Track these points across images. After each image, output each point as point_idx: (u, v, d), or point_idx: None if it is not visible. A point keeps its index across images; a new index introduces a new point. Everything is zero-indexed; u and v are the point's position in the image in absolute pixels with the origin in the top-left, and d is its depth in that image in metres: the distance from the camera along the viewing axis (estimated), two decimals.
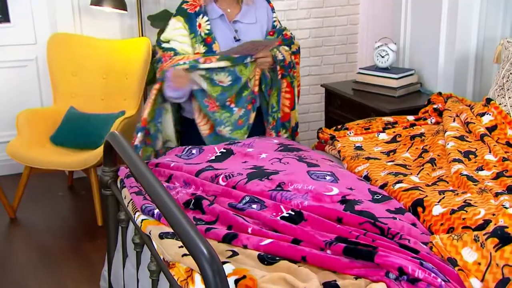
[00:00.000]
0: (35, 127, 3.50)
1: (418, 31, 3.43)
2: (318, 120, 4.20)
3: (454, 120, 2.55)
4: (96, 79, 3.69)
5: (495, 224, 1.68)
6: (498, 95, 2.61)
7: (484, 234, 1.61)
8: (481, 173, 2.18)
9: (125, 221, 2.06)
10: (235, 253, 1.62)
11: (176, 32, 2.59)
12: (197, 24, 2.56)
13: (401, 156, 2.42)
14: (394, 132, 2.66)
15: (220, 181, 2.01)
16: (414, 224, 1.82)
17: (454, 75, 3.24)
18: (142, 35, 3.76)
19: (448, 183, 2.11)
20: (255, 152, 2.25)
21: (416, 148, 2.48)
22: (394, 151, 2.50)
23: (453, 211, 1.83)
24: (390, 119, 2.79)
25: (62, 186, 3.90)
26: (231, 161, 2.21)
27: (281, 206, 1.82)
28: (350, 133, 2.69)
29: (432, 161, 2.29)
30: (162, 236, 1.68)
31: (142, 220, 1.82)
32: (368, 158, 2.39)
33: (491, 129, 2.45)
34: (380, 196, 1.96)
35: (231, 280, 1.42)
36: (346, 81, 3.78)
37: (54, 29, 3.80)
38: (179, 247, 1.59)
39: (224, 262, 1.51)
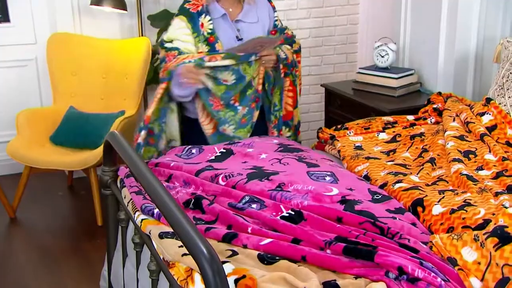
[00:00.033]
0: (35, 127, 3.50)
1: (418, 31, 3.43)
2: (318, 120, 4.20)
3: (454, 120, 2.55)
4: (96, 79, 3.69)
5: (495, 224, 1.68)
6: (498, 95, 2.61)
7: (484, 234, 1.61)
8: (481, 172, 2.18)
9: (125, 221, 2.06)
10: (235, 253, 1.62)
11: (180, 32, 2.59)
12: (200, 23, 2.57)
13: (401, 156, 2.42)
14: (394, 131, 2.66)
15: (220, 181, 2.01)
16: (414, 224, 1.82)
17: (454, 74, 3.24)
18: (142, 35, 3.76)
19: (448, 182, 2.11)
20: (255, 152, 2.25)
21: (416, 147, 2.48)
22: (394, 150, 2.50)
23: (453, 211, 1.83)
24: (390, 118, 2.79)
25: (62, 186, 3.90)
26: (231, 161, 2.21)
27: (281, 206, 1.82)
28: (350, 132, 2.69)
29: (432, 160, 2.29)
30: (162, 235, 1.68)
31: (142, 219, 1.82)
32: (368, 158, 2.39)
33: (491, 128, 2.45)
34: (380, 196, 1.96)
35: (231, 280, 1.42)
36: (346, 81, 3.78)
37: (54, 29, 3.80)
38: (179, 246, 1.59)
39: (224, 262, 1.50)
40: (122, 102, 3.60)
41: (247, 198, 1.89)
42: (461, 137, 2.40)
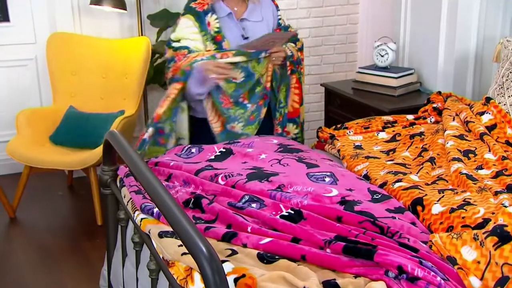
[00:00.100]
0: (35, 126, 3.50)
1: (418, 30, 3.43)
2: (318, 119, 4.20)
3: (453, 119, 2.55)
4: (96, 79, 3.69)
5: (494, 223, 1.68)
6: (498, 94, 2.61)
7: (483, 233, 1.61)
8: (481, 172, 2.18)
9: (124, 220, 2.06)
10: (234, 252, 1.62)
11: (188, 30, 2.59)
12: (207, 22, 2.57)
13: (401, 155, 2.42)
14: (393, 131, 2.66)
15: (220, 181, 2.01)
16: (413, 223, 1.82)
17: (454, 74, 3.24)
18: (142, 35, 3.76)
19: (447, 182, 2.11)
20: (255, 152, 2.25)
21: (416, 147, 2.48)
22: (393, 150, 2.50)
23: (452, 210, 1.82)
24: (389, 118, 2.79)
25: (61, 185, 3.90)
26: (231, 161, 2.21)
27: (281, 205, 1.82)
28: (349, 132, 2.69)
29: (431, 160, 2.29)
30: (161, 235, 1.68)
31: (142, 219, 1.82)
32: (367, 157, 2.39)
33: (491, 128, 2.45)
34: (379, 196, 1.96)
35: (230, 279, 1.42)
36: (346, 81, 3.78)
37: (54, 29, 3.80)
38: (179, 246, 1.59)
39: (224, 261, 1.51)
40: (122, 101, 3.60)
41: (246, 197, 1.89)
42: (460, 137, 2.40)
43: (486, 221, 1.74)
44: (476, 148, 2.33)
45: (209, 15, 2.58)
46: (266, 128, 2.70)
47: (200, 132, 2.66)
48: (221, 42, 2.57)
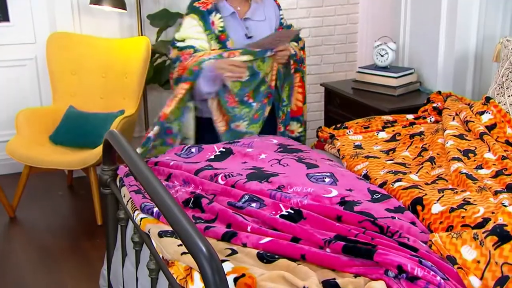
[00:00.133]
0: (35, 126, 3.50)
1: (418, 30, 3.43)
2: (318, 119, 4.20)
3: (453, 119, 2.55)
4: (96, 78, 3.69)
5: (494, 222, 1.68)
6: (498, 94, 2.61)
7: (483, 232, 1.61)
8: (481, 171, 2.18)
9: (124, 220, 2.06)
10: (234, 252, 1.62)
11: (193, 30, 2.59)
12: (211, 21, 2.57)
13: (401, 155, 2.42)
14: (393, 130, 2.66)
15: (219, 180, 2.01)
16: (413, 223, 1.82)
17: (454, 73, 3.24)
18: (142, 34, 3.76)
19: (447, 181, 2.11)
20: (254, 152, 2.24)
21: (416, 146, 2.48)
22: (393, 149, 2.50)
23: (452, 210, 1.82)
24: (389, 118, 2.79)
25: (61, 185, 3.90)
26: (231, 161, 2.21)
27: (280, 205, 1.82)
28: (349, 131, 2.69)
29: (431, 159, 2.29)
30: (161, 234, 1.68)
31: (141, 218, 1.82)
32: (367, 157, 2.39)
33: (491, 127, 2.45)
34: (379, 195, 1.96)
35: (230, 279, 1.42)
36: (346, 80, 3.78)
37: (54, 28, 3.80)
38: (178, 245, 1.59)
39: (223, 261, 1.51)
40: (122, 101, 3.60)
41: (246, 197, 1.89)
42: (460, 136, 2.40)
43: (486, 220, 1.74)
44: (476, 148, 2.33)
45: (213, 14, 2.58)
46: (269, 126, 2.71)
47: (204, 132, 2.67)
48: (225, 41, 2.58)
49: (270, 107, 2.71)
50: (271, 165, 2.15)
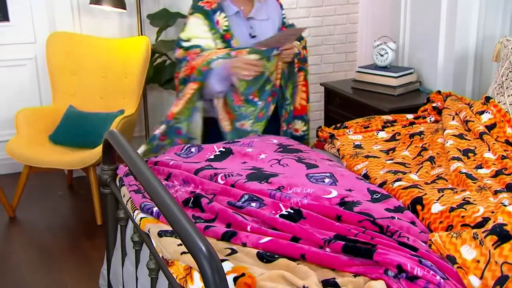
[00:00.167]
0: (34, 126, 3.50)
1: (418, 29, 3.43)
2: (318, 119, 4.20)
3: (453, 119, 2.55)
4: (95, 78, 3.69)
5: (494, 222, 1.68)
6: (497, 93, 2.61)
7: (483, 232, 1.61)
8: (480, 171, 2.18)
9: (124, 220, 2.06)
10: (234, 251, 1.62)
11: (198, 29, 2.59)
12: (215, 20, 2.57)
13: (400, 155, 2.42)
14: (393, 130, 2.66)
15: (219, 180, 2.01)
16: (413, 223, 1.81)
17: (453, 73, 3.24)
18: (142, 34, 3.76)
19: (447, 181, 2.11)
20: (254, 152, 2.24)
21: (415, 146, 2.48)
22: (393, 149, 2.50)
23: (452, 209, 1.82)
24: (389, 117, 2.79)
25: (61, 185, 3.90)
26: (230, 161, 2.21)
27: (280, 204, 1.82)
28: (349, 131, 2.69)
29: (431, 159, 2.29)
30: (161, 234, 1.68)
31: (141, 218, 1.82)
32: (367, 157, 2.39)
33: (490, 127, 2.45)
34: (379, 195, 1.96)
35: (230, 278, 1.42)
36: (346, 80, 3.78)
37: (53, 28, 3.80)
38: (178, 245, 1.59)
39: (223, 260, 1.51)
40: (122, 101, 3.60)
41: (246, 196, 1.89)
42: (460, 136, 2.40)
43: (485, 220, 1.74)
44: (475, 148, 2.33)
45: (217, 13, 2.58)
46: (272, 125, 2.72)
47: (209, 132, 2.67)
48: (230, 40, 2.58)
49: (274, 105, 2.72)
50: (270, 165, 2.15)
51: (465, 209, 1.81)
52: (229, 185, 1.97)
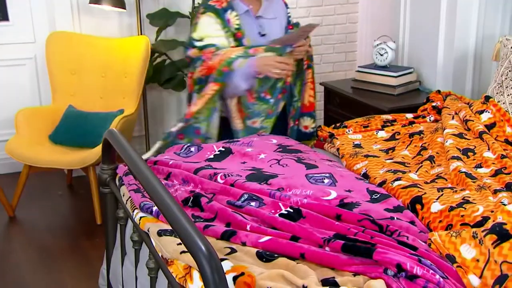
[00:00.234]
0: (34, 125, 3.50)
1: (417, 29, 3.43)
2: (317, 118, 4.18)
3: (453, 118, 2.55)
4: (95, 78, 3.69)
5: (493, 221, 1.68)
6: (497, 93, 2.61)
7: (482, 231, 1.61)
8: (480, 170, 2.18)
9: (123, 219, 2.06)
10: (233, 250, 1.62)
11: (211, 28, 2.58)
12: (227, 19, 2.58)
13: (400, 154, 2.43)
14: (393, 130, 2.66)
15: (219, 179, 2.01)
16: (412, 222, 1.81)
17: (453, 73, 3.24)
18: (141, 34, 3.76)
19: (446, 180, 2.11)
20: (254, 152, 2.24)
21: (415, 145, 2.48)
22: (393, 148, 2.50)
23: (451, 208, 1.82)
24: (389, 117, 2.79)
25: (61, 185, 3.90)
26: (230, 161, 2.21)
27: (280, 204, 1.82)
28: (349, 131, 2.69)
29: (431, 158, 2.29)
30: (160, 233, 1.68)
31: (141, 217, 1.82)
32: (367, 156, 2.39)
33: (490, 126, 2.45)
34: (378, 195, 1.95)
35: (229, 277, 1.42)
36: (345, 80, 3.78)
37: (53, 28, 3.80)
38: (178, 244, 1.59)
39: (223, 259, 1.50)
40: (121, 100, 3.60)
41: (246, 196, 1.89)
42: (460, 135, 2.40)
43: (485, 219, 1.74)
44: (475, 147, 2.33)
45: (228, 12, 2.58)
46: (281, 122, 2.75)
47: (221, 131, 2.67)
48: (241, 39, 2.59)
49: (284, 102, 2.74)
50: (270, 165, 2.15)
51: (465, 208, 1.81)
52: (228, 184, 1.97)
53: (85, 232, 3.28)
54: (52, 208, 3.58)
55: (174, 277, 1.55)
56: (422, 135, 2.54)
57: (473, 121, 2.48)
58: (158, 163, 2.20)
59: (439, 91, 2.97)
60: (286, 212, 1.78)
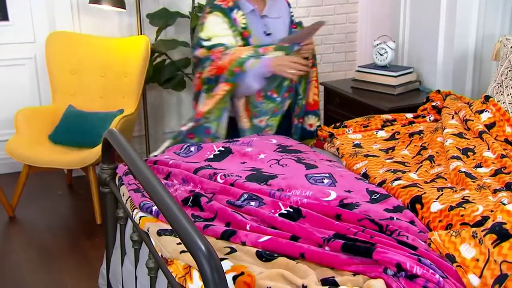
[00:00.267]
0: (34, 125, 3.50)
1: (417, 29, 3.43)
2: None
3: (452, 118, 2.55)
4: (95, 78, 3.68)
5: (493, 221, 1.68)
6: (497, 93, 2.61)
7: (482, 231, 1.61)
8: (480, 170, 2.18)
9: (123, 219, 2.06)
10: (233, 250, 1.62)
11: (219, 27, 2.59)
12: (233, 18, 2.58)
13: (400, 154, 2.43)
14: (392, 129, 2.66)
15: (218, 179, 2.01)
16: (412, 222, 1.81)
17: (453, 72, 3.24)
18: (141, 33, 3.75)
19: (446, 180, 2.11)
20: (254, 152, 2.24)
21: (415, 145, 2.48)
22: (392, 148, 2.50)
23: (451, 208, 1.82)
24: (388, 116, 2.79)
25: (61, 184, 3.90)
26: (230, 161, 2.21)
27: (280, 203, 1.82)
28: (348, 130, 2.69)
29: (430, 158, 2.29)
30: (160, 233, 1.68)
31: (140, 217, 1.82)
32: (366, 156, 2.39)
33: (490, 126, 2.45)
34: (378, 195, 1.95)
35: (229, 277, 1.42)
36: (345, 79, 3.78)
37: (53, 28, 3.80)
38: (177, 244, 1.59)
39: (222, 259, 1.50)
40: (121, 100, 3.60)
41: (245, 195, 1.89)
42: (459, 135, 2.40)
43: (485, 219, 1.74)
44: (475, 147, 2.33)
45: (235, 11, 2.59)
46: (286, 121, 2.76)
47: (228, 131, 2.69)
48: (248, 38, 2.60)
49: (290, 101, 2.76)
50: (270, 166, 2.15)
51: (465, 208, 1.81)
52: (228, 184, 1.97)
53: (85, 232, 3.28)
54: (52, 208, 3.58)
55: (174, 276, 1.55)
56: (422, 134, 2.54)
57: (473, 120, 2.48)
58: (158, 162, 2.20)
59: (439, 91, 2.97)
60: (286, 212, 1.78)
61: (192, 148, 2.33)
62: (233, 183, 1.97)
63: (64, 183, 3.91)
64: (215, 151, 2.28)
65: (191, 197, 1.90)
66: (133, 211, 1.88)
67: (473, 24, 3.15)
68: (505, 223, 1.61)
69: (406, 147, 2.48)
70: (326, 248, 1.60)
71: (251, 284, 1.41)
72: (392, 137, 2.61)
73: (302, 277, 1.47)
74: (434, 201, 1.88)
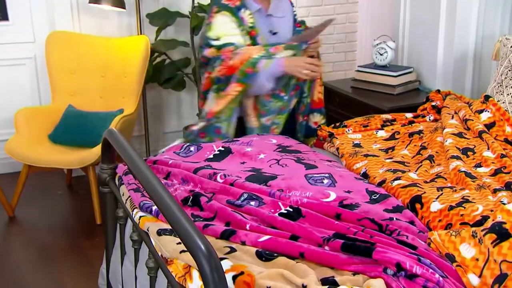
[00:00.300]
0: (34, 125, 3.50)
1: (417, 28, 3.43)
2: None
3: (452, 117, 2.55)
4: (95, 77, 3.68)
5: (493, 220, 1.67)
6: (497, 92, 2.62)
7: (482, 230, 1.61)
8: (480, 169, 2.18)
9: (123, 218, 2.06)
10: (233, 250, 1.62)
11: (227, 26, 2.58)
12: (241, 17, 2.59)
13: (400, 153, 2.43)
14: (392, 129, 2.66)
15: (218, 179, 2.01)
16: (412, 222, 1.81)
17: (453, 72, 3.25)
18: (141, 33, 3.75)
19: (446, 179, 2.11)
20: (253, 152, 2.24)
21: (415, 145, 2.48)
22: (392, 148, 2.50)
23: (451, 207, 1.83)
24: (388, 116, 2.79)
25: (60, 184, 3.90)
26: (229, 161, 2.21)
27: (279, 203, 1.82)
28: (348, 130, 2.69)
29: (430, 158, 2.29)
30: (160, 232, 1.68)
31: (140, 217, 1.82)
32: (366, 155, 2.39)
33: (490, 126, 2.45)
34: (377, 196, 1.95)
35: (229, 276, 1.42)
36: (345, 79, 3.78)
37: (53, 27, 3.80)
38: (177, 243, 1.59)
39: (222, 259, 1.51)
40: (121, 100, 3.59)
41: (245, 195, 1.89)
42: (459, 135, 2.40)
43: (484, 218, 1.74)
44: (475, 146, 2.33)
45: (242, 10, 2.59)
46: (291, 119, 2.78)
47: (236, 130, 2.70)
48: (255, 37, 2.60)
49: (297, 99, 2.77)
50: (269, 166, 2.14)
51: (464, 208, 1.81)
52: (228, 183, 1.97)
53: (85, 231, 3.28)
54: (52, 208, 3.58)
55: (174, 276, 1.55)
56: (421, 134, 2.54)
57: (472, 120, 2.48)
58: (157, 162, 2.20)
59: (438, 91, 2.97)
60: (285, 212, 1.78)
61: (191, 148, 2.33)
62: (233, 183, 1.97)
63: (64, 183, 3.91)
64: (214, 151, 2.28)
65: (191, 197, 1.90)
66: (133, 210, 1.88)
67: (473, 24, 3.15)
68: (505, 223, 1.61)
69: (406, 146, 2.48)
70: (326, 247, 1.60)
71: (251, 284, 1.41)
72: (392, 137, 2.61)
73: (302, 276, 1.47)
74: (434, 201, 1.88)
